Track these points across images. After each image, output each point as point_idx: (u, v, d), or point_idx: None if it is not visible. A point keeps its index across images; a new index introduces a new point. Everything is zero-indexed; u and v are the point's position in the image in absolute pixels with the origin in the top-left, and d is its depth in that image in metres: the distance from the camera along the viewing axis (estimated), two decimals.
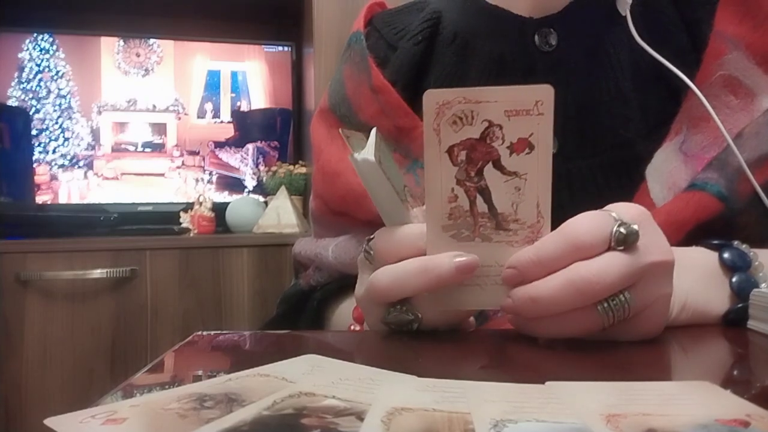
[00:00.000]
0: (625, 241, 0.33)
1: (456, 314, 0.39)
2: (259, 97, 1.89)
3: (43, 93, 1.72)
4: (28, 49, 1.71)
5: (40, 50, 1.72)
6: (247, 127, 1.88)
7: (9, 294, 1.32)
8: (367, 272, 0.40)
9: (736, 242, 0.43)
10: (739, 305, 0.40)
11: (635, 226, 0.33)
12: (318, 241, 0.62)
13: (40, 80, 1.72)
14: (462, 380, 0.27)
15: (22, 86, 1.71)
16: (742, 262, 0.41)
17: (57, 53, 1.73)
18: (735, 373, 0.33)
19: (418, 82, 0.57)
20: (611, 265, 0.32)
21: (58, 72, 1.73)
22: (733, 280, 0.40)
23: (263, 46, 1.88)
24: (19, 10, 1.74)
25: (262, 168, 1.85)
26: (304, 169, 1.75)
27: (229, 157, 1.85)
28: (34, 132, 1.70)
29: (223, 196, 1.82)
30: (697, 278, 0.40)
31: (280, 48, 1.89)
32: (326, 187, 0.59)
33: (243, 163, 1.86)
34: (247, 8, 1.84)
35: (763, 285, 0.40)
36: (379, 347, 0.39)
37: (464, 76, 0.56)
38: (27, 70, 1.71)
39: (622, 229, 0.33)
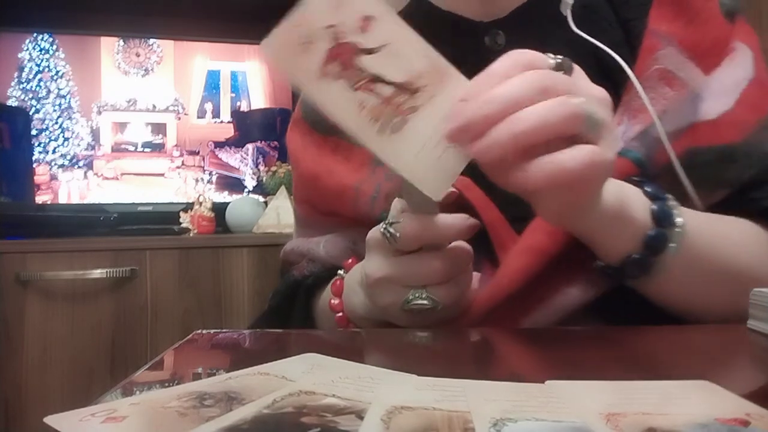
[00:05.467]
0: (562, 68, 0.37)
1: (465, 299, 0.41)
2: (258, 97, 1.89)
3: (43, 93, 1.72)
4: (28, 49, 1.71)
5: (40, 50, 1.72)
6: (247, 127, 1.88)
7: (9, 294, 1.32)
8: (382, 253, 0.42)
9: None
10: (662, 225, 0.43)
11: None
12: (309, 239, 0.66)
13: (40, 80, 1.72)
14: (462, 379, 0.27)
15: (22, 86, 1.71)
16: (658, 191, 0.45)
17: (57, 53, 1.73)
18: (735, 372, 0.33)
19: None
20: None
21: (58, 72, 1.73)
22: (654, 207, 0.43)
23: None
24: (19, 10, 1.74)
25: (261, 168, 1.85)
26: None
27: (229, 157, 1.85)
28: (34, 132, 1.70)
29: (223, 196, 1.82)
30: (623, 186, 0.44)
31: None
32: (310, 190, 0.63)
33: (243, 163, 1.86)
34: (247, 8, 1.83)
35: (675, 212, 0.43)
36: (379, 346, 0.39)
37: None
38: (27, 70, 1.71)
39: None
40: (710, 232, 0.46)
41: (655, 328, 0.42)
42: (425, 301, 0.40)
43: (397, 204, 0.43)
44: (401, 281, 0.41)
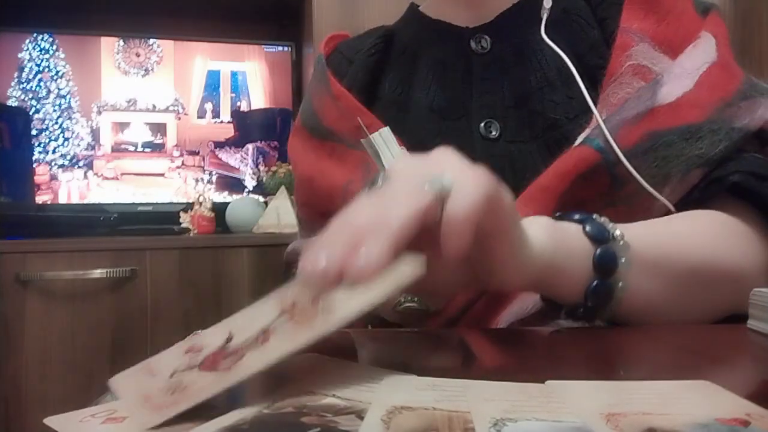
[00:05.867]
0: None
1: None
2: (258, 97, 1.88)
3: (43, 93, 1.72)
4: (28, 49, 1.71)
5: (40, 50, 1.72)
6: (247, 127, 1.88)
7: (9, 294, 1.32)
8: None
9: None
10: (606, 245, 0.40)
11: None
12: (309, 240, 0.67)
13: (40, 80, 1.72)
14: (462, 379, 0.27)
15: (22, 86, 1.71)
16: (582, 214, 0.43)
17: (57, 53, 1.73)
18: (735, 372, 0.33)
19: (372, 86, 0.66)
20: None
21: (58, 72, 1.73)
22: (587, 228, 0.41)
23: (263, 46, 1.88)
24: (19, 10, 1.74)
25: (262, 168, 1.85)
26: None
27: (229, 157, 1.85)
28: (34, 132, 1.69)
29: (223, 196, 1.82)
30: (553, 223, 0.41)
31: (280, 48, 1.89)
32: (307, 192, 0.66)
33: (243, 163, 1.86)
34: (247, 8, 1.84)
35: (617, 232, 0.41)
36: (380, 346, 0.39)
37: (413, 78, 0.64)
38: (27, 70, 1.71)
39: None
40: (658, 236, 0.45)
41: (655, 328, 0.42)
42: (417, 305, 0.41)
43: None
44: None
